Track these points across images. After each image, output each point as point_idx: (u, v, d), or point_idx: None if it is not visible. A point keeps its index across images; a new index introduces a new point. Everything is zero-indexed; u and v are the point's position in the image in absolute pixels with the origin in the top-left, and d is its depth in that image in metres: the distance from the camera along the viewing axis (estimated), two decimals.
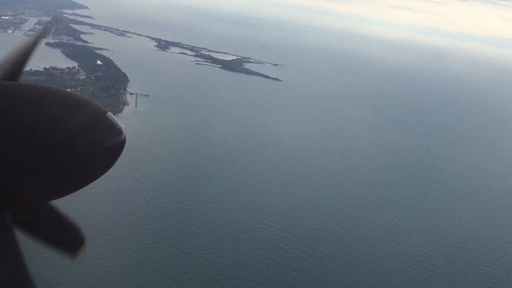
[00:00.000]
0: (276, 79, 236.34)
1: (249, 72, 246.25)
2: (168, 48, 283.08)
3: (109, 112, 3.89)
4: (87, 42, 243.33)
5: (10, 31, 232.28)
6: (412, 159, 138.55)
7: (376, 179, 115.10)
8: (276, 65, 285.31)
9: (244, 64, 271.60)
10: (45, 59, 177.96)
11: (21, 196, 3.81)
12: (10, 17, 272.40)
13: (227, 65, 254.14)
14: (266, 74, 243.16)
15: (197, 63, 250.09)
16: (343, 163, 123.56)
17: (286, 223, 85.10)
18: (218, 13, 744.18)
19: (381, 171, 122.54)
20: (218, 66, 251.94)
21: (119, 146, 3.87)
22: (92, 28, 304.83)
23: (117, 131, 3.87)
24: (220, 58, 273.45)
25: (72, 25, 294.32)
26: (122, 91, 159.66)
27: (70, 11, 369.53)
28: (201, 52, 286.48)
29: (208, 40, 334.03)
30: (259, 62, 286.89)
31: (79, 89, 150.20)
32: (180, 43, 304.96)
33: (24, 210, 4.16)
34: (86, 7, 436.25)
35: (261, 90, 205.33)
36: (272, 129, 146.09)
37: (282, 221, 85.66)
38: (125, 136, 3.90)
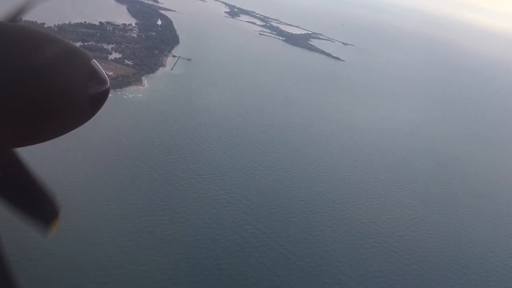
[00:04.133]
0: (338, 58, 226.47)
1: (311, 49, 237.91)
2: (238, 16, 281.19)
3: (94, 60, 3.75)
4: (157, 2, 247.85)
5: None
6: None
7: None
8: (346, 44, 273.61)
9: (311, 40, 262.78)
10: (106, 14, 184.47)
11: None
12: None
13: (291, 39, 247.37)
14: (328, 52, 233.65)
15: (261, 34, 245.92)
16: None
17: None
18: None
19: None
20: (281, 39, 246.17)
21: (102, 95, 3.73)
22: None
23: (101, 80, 3.71)
24: (287, 31, 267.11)
25: None
26: (165, 53, 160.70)
27: None
28: (271, 23, 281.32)
29: (286, 12, 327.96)
30: (329, 39, 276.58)
31: (123, 45, 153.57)
32: (253, 11, 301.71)
33: None
34: None
35: (310, 67, 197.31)
36: (296, 108, 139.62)
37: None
38: (109, 86, 3.79)
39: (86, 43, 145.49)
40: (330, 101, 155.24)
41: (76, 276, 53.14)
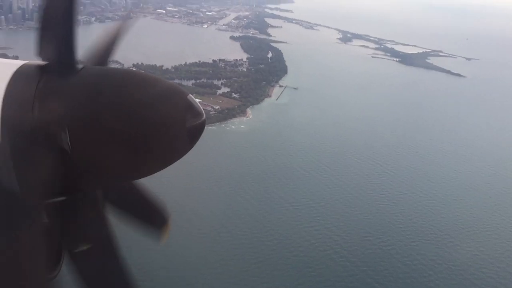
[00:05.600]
0: (458, 75, 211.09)
1: (428, 67, 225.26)
2: (351, 41, 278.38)
3: (190, 95, 4.09)
4: (270, 36, 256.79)
5: (206, 26, 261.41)
6: None
7: None
8: (469, 59, 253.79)
9: (429, 58, 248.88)
10: (221, 52, 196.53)
11: (106, 177, 4.20)
12: (214, 13, 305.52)
13: (407, 59, 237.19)
14: (448, 69, 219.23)
15: (373, 57, 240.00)
16: None
17: None
18: (442, 3, 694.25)
19: None
20: (395, 59, 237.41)
21: (199, 127, 4.03)
22: (284, 21, 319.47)
23: (197, 113, 4.01)
24: (403, 51, 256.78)
25: (267, 19, 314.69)
26: (272, 84, 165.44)
27: (272, 6, 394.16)
28: (385, 45, 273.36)
29: (403, 31, 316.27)
30: (450, 56, 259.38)
31: (232, 80, 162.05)
32: (367, 35, 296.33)
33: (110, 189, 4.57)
34: (292, 1, 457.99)
35: (423, 86, 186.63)
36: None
37: None
38: (204, 119, 4.06)
39: (198, 81, 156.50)
40: (445, 120, 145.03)
41: None
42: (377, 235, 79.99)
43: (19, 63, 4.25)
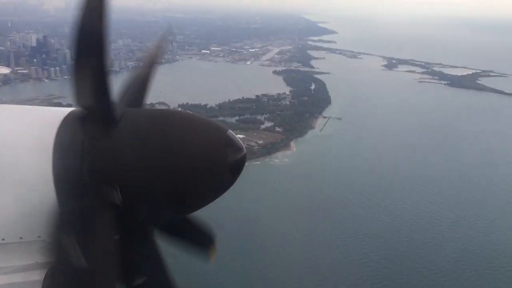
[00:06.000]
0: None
1: (479, 88, 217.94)
2: (396, 67, 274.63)
3: (230, 130, 4.20)
4: (313, 68, 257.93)
5: (249, 62, 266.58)
6: None
7: None
8: None
9: (479, 79, 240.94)
10: (264, 87, 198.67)
11: (155, 217, 4.36)
12: (257, 49, 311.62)
13: (455, 81, 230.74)
14: (500, 89, 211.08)
15: (420, 81, 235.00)
16: None
17: None
18: (489, 21, 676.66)
19: None
20: (444, 82, 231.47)
21: (240, 162, 4.13)
22: (327, 52, 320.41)
23: (238, 148, 4.11)
24: (451, 74, 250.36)
25: (309, 51, 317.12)
26: (316, 115, 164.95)
27: (315, 38, 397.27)
28: (432, 68, 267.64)
29: (451, 54, 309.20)
30: (502, 76, 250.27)
31: (276, 114, 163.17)
32: (412, 60, 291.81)
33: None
34: (335, 32, 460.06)
35: (474, 107, 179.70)
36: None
37: None
38: (245, 153, 4.15)
39: (241, 117, 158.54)
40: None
41: None
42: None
43: (65, 111, 4.35)
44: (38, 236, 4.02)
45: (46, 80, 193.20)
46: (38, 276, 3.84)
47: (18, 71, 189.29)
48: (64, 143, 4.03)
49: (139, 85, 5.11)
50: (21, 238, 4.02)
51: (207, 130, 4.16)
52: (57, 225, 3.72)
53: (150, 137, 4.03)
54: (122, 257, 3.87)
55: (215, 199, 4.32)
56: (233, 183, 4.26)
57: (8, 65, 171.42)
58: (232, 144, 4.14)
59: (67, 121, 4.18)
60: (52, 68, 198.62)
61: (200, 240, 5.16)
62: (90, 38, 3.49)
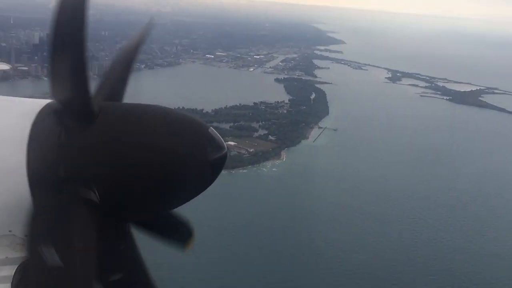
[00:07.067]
0: None
1: (481, 105, 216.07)
2: (400, 80, 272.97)
3: (212, 128, 4.13)
4: (315, 77, 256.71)
5: (252, 69, 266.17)
6: None
7: None
8: None
9: (483, 95, 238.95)
10: (263, 94, 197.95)
11: (133, 215, 4.33)
12: (262, 56, 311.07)
13: (458, 97, 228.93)
14: (502, 107, 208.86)
15: (421, 96, 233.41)
16: None
17: None
18: (497, 38, 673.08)
19: None
20: (446, 98, 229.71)
21: (221, 160, 4.09)
22: (332, 62, 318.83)
23: (218, 146, 4.06)
24: (455, 89, 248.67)
25: (315, 61, 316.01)
26: (311, 125, 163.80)
27: (322, 47, 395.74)
28: (436, 83, 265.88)
29: (456, 69, 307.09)
30: (507, 93, 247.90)
31: (271, 122, 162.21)
32: (417, 74, 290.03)
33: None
34: (343, 43, 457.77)
35: (473, 125, 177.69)
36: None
37: None
38: (226, 152, 4.10)
39: (236, 123, 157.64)
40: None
41: None
42: None
43: (41, 103, 4.17)
44: (9, 231, 3.96)
45: (45, 78, 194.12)
46: (8, 271, 3.80)
47: (18, 68, 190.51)
48: (40, 136, 3.89)
49: (117, 79, 4.88)
50: None
51: (188, 126, 4.04)
52: (30, 220, 3.60)
53: (128, 133, 3.94)
54: (98, 254, 3.70)
55: (194, 197, 4.26)
56: (213, 181, 4.17)
57: (9, 62, 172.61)
58: (213, 142, 4.05)
59: (43, 113, 4.03)
60: None
61: (179, 234, 5.16)
62: (68, 30, 3.40)
